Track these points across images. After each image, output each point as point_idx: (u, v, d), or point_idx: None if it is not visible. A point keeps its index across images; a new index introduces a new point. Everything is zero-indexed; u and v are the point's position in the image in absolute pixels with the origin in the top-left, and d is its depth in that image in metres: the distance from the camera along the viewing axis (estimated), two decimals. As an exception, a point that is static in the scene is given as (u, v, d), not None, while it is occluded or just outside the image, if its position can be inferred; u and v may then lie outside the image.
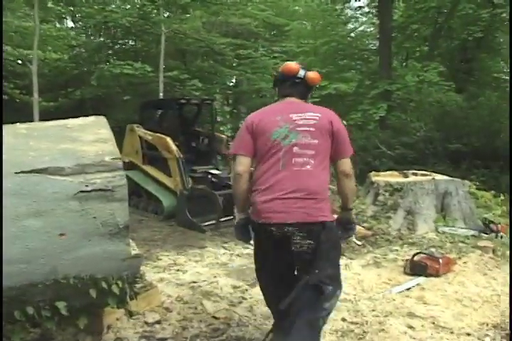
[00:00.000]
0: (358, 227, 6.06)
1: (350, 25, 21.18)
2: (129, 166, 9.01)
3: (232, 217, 7.22)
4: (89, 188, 2.29)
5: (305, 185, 2.68)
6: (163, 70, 13.09)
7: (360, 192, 7.48)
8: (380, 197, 6.82)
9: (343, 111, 16.36)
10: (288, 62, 3.04)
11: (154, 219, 7.76)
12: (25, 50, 11.67)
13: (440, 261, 4.67)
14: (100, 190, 2.31)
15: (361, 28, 20.97)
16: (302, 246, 2.62)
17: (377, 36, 16.44)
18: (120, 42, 15.31)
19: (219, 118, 13.80)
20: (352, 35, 19.52)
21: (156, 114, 9.29)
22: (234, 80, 23.27)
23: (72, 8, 14.09)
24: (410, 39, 16.94)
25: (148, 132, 8.57)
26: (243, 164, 2.80)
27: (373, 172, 7.62)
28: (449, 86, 14.04)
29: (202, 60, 17.29)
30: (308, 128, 2.73)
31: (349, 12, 21.49)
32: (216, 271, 4.84)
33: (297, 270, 2.70)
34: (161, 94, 12.66)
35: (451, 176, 7.44)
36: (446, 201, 6.69)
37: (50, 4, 13.33)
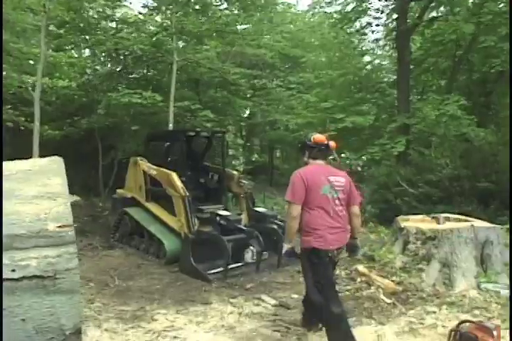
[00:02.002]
0: (386, 281, 5.33)
1: (366, 58, 20.69)
2: (131, 203, 8.36)
3: (241, 264, 6.68)
4: (17, 275, 1.51)
5: (345, 223, 4.08)
6: (174, 100, 12.54)
7: (386, 238, 6.70)
8: (411, 246, 5.99)
9: (360, 145, 15.80)
10: (317, 134, 4.23)
11: (155, 264, 6.96)
12: (33, 76, 11.18)
13: (494, 332, 3.82)
14: (36, 276, 1.52)
15: (377, 61, 20.44)
16: (339, 257, 4.20)
17: (394, 69, 15.90)
18: (131, 70, 14.84)
19: (231, 152, 13.08)
20: (368, 67, 18.96)
21: (163, 146, 8.60)
22: (248, 112, 22.84)
23: (87, 37, 13.62)
24: (428, 72, 16.35)
25: (153, 166, 7.91)
26: (298, 210, 3.91)
27: (401, 217, 6.80)
28: (471, 120, 13.32)
29: (215, 91, 16.77)
30: (341, 188, 4.03)
31: (366, 44, 21.05)
32: (221, 339, 4.03)
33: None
34: (171, 125, 12.05)
35: (480, 218, 6.80)
36: (486, 251, 5.83)
37: (60, 31, 12.92)
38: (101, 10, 13.28)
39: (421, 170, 12.00)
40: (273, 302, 5.14)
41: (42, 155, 14.21)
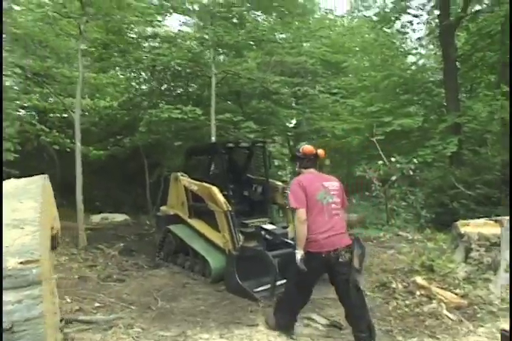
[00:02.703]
0: (449, 294, 4.84)
1: (411, 58, 20.03)
2: (174, 220, 8.15)
3: None
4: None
5: (341, 225, 4.40)
6: (216, 113, 12.38)
7: (444, 246, 6.19)
8: (474, 254, 5.51)
9: (410, 148, 15.20)
10: (306, 146, 4.64)
11: (201, 283, 6.65)
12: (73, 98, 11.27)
13: None
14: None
15: (422, 61, 19.70)
16: (346, 258, 4.28)
17: (440, 67, 15.27)
18: (170, 86, 14.84)
19: (277, 162, 12.74)
20: (413, 68, 18.30)
21: (203, 160, 8.37)
22: (294, 121, 22.51)
23: (126, 57, 13.70)
24: (476, 68, 15.57)
25: (194, 181, 7.68)
26: (304, 214, 4.25)
27: (460, 222, 6.28)
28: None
29: (258, 102, 16.55)
30: (335, 192, 4.43)
31: (408, 45, 20.41)
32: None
33: (343, 273, 4.30)
34: (214, 138, 11.87)
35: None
36: (559, 257, 5.27)
37: (98, 53, 13.05)
38: (140, 30, 13.39)
39: (477, 170, 11.36)
40: (324, 321, 4.76)
41: (87, 176, 14.42)
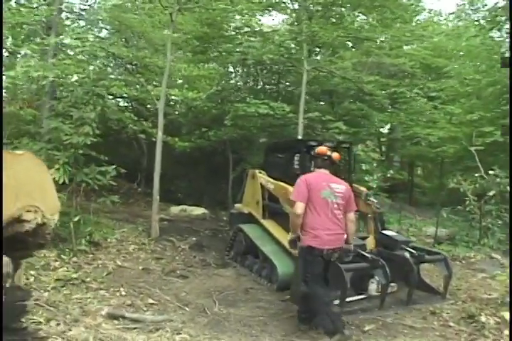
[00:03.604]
0: None
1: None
2: (247, 219, 7.75)
3: (364, 296, 5.71)
4: None
5: (343, 226, 4.66)
6: (305, 112, 11.85)
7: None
8: None
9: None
10: (321, 147, 4.97)
11: (266, 290, 6.16)
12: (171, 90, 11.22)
13: None
14: None
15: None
16: (335, 258, 4.64)
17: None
18: (260, 81, 14.52)
19: (364, 167, 11.97)
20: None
21: (283, 158, 7.87)
22: (388, 126, 21.55)
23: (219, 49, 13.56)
24: None
25: (271, 180, 7.22)
26: (302, 208, 4.50)
27: None
28: None
29: (350, 102, 15.83)
30: (340, 195, 4.66)
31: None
32: None
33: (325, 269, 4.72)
34: (300, 137, 11.35)
35: None
36: None
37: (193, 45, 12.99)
38: (238, 24, 13.21)
39: None
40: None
41: (173, 167, 14.40)
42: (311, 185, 4.55)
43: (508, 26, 15.42)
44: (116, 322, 4.27)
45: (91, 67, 8.37)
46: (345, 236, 4.70)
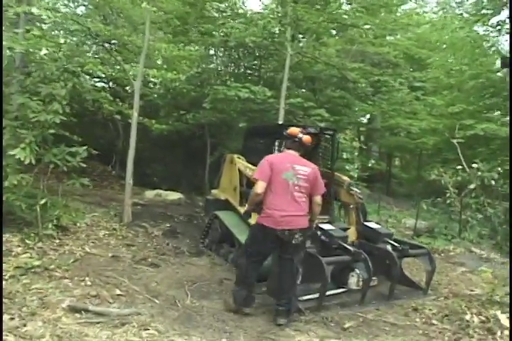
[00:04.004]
0: None
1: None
2: (224, 205, 7.43)
3: (344, 289, 5.50)
4: None
5: (302, 208, 4.61)
6: (287, 97, 11.52)
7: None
8: None
9: (488, 156, 14.02)
10: (293, 128, 5.00)
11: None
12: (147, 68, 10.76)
13: None
14: None
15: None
16: (298, 240, 4.54)
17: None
18: (241, 64, 14.10)
19: (345, 155, 11.71)
20: (505, 70, 16.64)
21: (264, 143, 7.54)
22: (368, 116, 21.39)
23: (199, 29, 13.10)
24: None
25: (250, 165, 6.89)
26: (262, 187, 4.54)
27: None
28: None
29: (333, 90, 15.54)
30: (303, 177, 4.62)
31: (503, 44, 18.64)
32: None
33: (289, 253, 4.60)
34: (280, 123, 11.04)
35: None
36: None
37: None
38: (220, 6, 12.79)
39: None
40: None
41: (150, 150, 13.97)
42: (273, 165, 4.57)
43: (492, 21, 15.31)
44: (78, 315, 3.91)
45: (61, 41, 7.82)
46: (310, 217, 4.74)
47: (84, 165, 6.92)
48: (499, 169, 10.67)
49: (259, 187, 4.50)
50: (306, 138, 4.86)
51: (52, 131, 6.74)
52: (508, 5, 9.72)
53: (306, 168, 4.66)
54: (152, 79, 13.26)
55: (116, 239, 7.37)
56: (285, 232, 4.45)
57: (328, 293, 5.07)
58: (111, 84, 14.78)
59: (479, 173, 10.52)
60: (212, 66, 13.81)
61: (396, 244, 5.70)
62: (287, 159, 4.70)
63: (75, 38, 12.59)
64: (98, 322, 3.82)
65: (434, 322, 4.63)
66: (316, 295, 4.97)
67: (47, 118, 6.47)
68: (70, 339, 3.49)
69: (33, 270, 4.95)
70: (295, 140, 4.82)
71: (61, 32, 12.80)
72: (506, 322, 4.38)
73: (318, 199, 4.73)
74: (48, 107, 6.60)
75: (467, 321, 4.51)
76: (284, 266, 4.61)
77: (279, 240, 4.50)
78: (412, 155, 24.08)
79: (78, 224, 7.54)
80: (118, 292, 4.73)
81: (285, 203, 4.50)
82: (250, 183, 6.77)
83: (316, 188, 4.72)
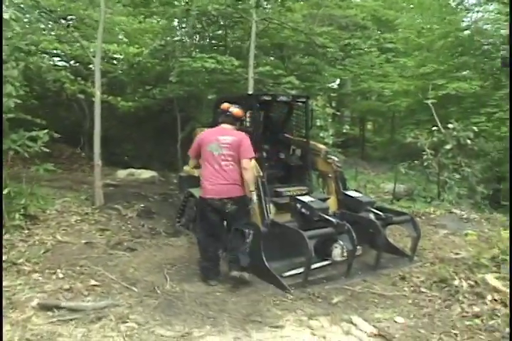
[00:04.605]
0: None
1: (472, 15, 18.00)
2: (198, 182, 7.15)
3: (328, 262, 5.24)
4: None
5: (230, 177, 4.85)
6: (255, 66, 11.16)
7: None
8: None
9: (461, 115, 14.11)
10: (225, 103, 5.28)
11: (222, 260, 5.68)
12: (107, 44, 10.22)
13: None
14: None
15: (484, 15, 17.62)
16: (231, 209, 4.83)
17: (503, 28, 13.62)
18: (206, 34, 13.61)
19: (319, 122, 11.46)
20: (472, 27, 16.47)
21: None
22: (338, 81, 21.11)
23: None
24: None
25: (222, 139, 6.60)
26: (192, 163, 5.33)
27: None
28: None
29: (302, 56, 15.19)
30: (227, 145, 4.87)
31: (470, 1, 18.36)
32: None
33: (227, 223, 5.01)
34: (250, 93, 10.71)
35: None
36: None
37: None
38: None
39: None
40: (369, 329, 3.69)
41: (118, 128, 13.54)
42: (202, 140, 4.99)
43: None
44: (49, 313, 3.65)
45: (6, 16, 7.24)
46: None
47: (47, 150, 6.56)
48: (474, 128, 10.61)
49: (190, 162, 5.26)
50: (237, 111, 5.16)
51: (10, 115, 6.32)
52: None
53: (229, 137, 4.90)
54: (115, 56, 12.78)
55: (89, 224, 7.06)
56: (215, 202, 4.80)
57: (312, 266, 4.90)
58: (72, 62, 14.11)
59: (455, 133, 10.42)
60: (176, 38, 13.26)
61: (379, 212, 5.55)
62: (216, 132, 5.03)
63: (27, 15, 11.90)
64: (72, 319, 3.57)
65: (423, 290, 4.52)
66: (301, 270, 4.81)
67: (-1, 102, 6.04)
68: (42, 342, 3.24)
69: (-1, 266, 4.66)
70: (227, 114, 5.14)
71: (11, 9, 12.12)
72: (495, 283, 4.29)
73: (244, 163, 4.83)
74: (-1, 90, 6.16)
75: (456, 287, 4.40)
76: (233, 234, 4.89)
77: (214, 210, 4.84)
78: (385, 118, 24.02)
79: (48, 212, 7.20)
80: (93, 282, 4.47)
81: (213, 173, 4.83)
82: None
83: (242, 153, 4.85)
